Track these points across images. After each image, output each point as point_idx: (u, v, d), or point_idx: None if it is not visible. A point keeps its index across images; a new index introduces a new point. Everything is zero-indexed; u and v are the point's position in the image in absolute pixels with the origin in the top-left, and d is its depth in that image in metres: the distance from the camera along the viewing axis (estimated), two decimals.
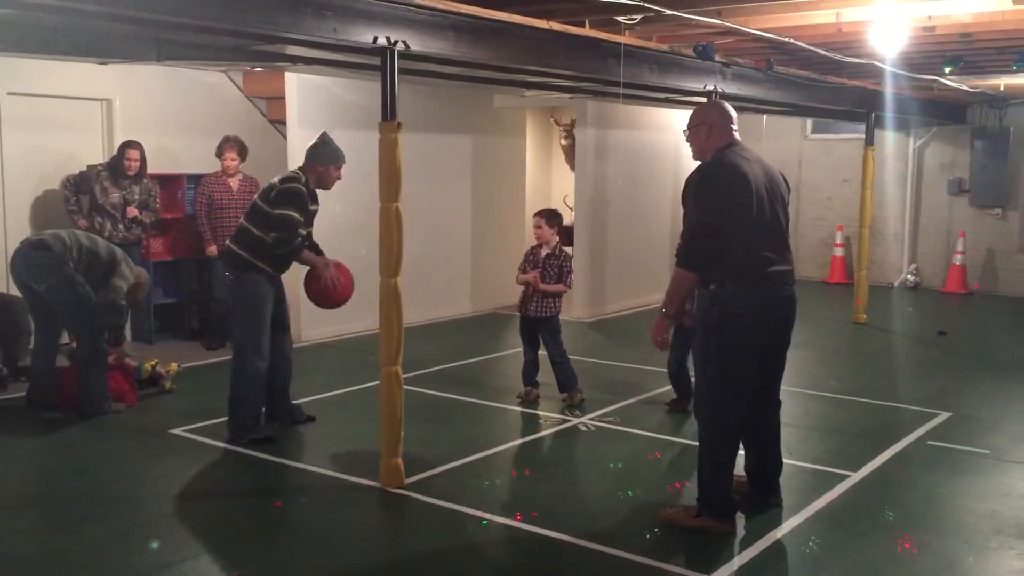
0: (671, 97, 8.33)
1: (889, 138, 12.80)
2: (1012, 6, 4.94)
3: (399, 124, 4.71)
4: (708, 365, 4.37)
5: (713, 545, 4.26)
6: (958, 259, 12.56)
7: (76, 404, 6.12)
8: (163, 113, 8.63)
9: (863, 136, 12.93)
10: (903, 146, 12.96)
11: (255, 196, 5.82)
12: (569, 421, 6.23)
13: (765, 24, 5.80)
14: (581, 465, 5.41)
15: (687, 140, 4.67)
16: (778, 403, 4.69)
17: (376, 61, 4.78)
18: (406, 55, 4.78)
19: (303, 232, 5.63)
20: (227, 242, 5.84)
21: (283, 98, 8.71)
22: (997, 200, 12.35)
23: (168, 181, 8.49)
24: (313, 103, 8.60)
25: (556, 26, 5.57)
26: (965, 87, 9.42)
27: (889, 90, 9.13)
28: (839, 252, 13.39)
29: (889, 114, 10.24)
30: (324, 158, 5.67)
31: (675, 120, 11.41)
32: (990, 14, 5.43)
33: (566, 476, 5.20)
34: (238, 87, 9.26)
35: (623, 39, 5.99)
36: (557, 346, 6.64)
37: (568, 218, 12.04)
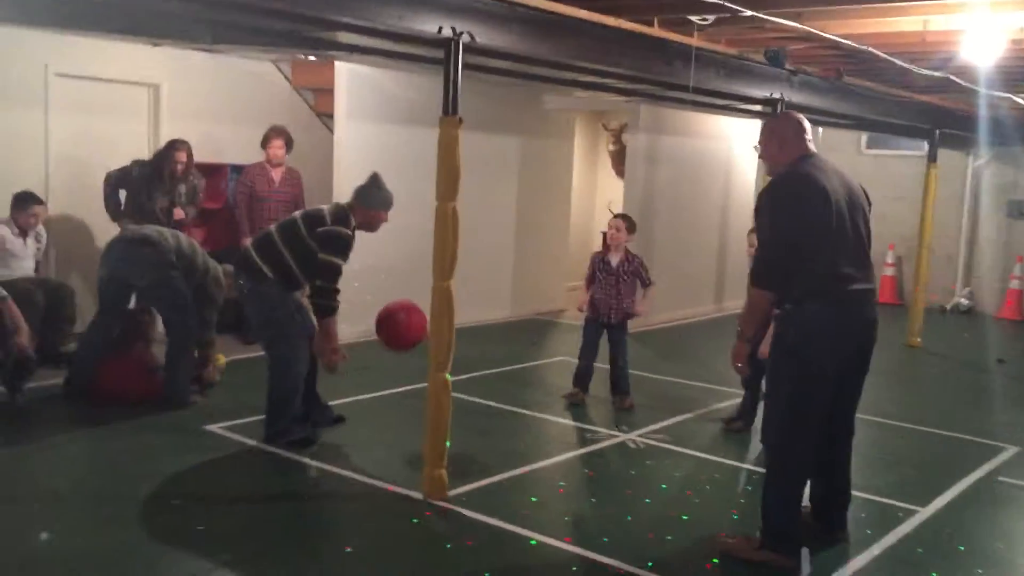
0: (732, 104, 8.04)
1: (947, 156, 12.39)
2: None
3: (460, 120, 4.49)
4: (781, 389, 4.10)
5: None
6: (1015, 284, 12.15)
7: (110, 397, 5.97)
8: (210, 101, 8.47)
9: (920, 153, 12.62)
10: (961, 165, 12.57)
11: (297, 214, 5.54)
12: (616, 437, 5.96)
13: (845, 30, 5.51)
14: (631, 485, 5.13)
15: (759, 155, 4.41)
16: (851, 431, 4.40)
17: (438, 53, 4.55)
18: (469, 48, 4.55)
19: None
20: (248, 245, 5.60)
21: (331, 90, 8.53)
22: None
23: (212, 171, 8.31)
24: (363, 96, 8.41)
25: (625, 24, 5.32)
26: None
27: (981, 110, 8.74)
28: (890, 272, 13.00)
29: (955, 132, 9.89)
30: (376, 202, 5.44)
31: (728, 128, 11.12)
32: None
33: (616, 496, 4.93)
34: (286, 78, 9.09)
35: (693, 41, 5.73)
36: (626, 350, 6.71)
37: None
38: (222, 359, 6.79)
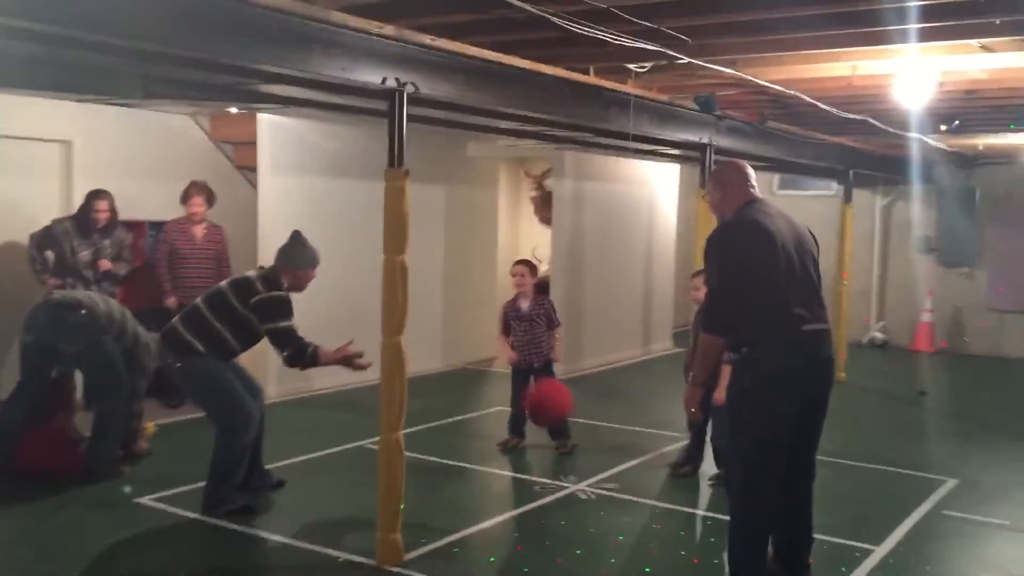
0: (657, 149, 8.14)
1: (857, 195, 12.77)
2: None
3: (407, 172, 4.39)
4: (742, 436, 4.06)
5: None
6: (926, 317, 12.54)
7: (29, 472, 5.61)
8: (125, 157, 8.17)
9: (830, 193, 13.01)
10: (870, 204, 12.99)
11: (223, 284, 5.29)
12: (566, 488, 5.85)
13: (775, 76, 5.61)
14: (588, 538, 5.01)
15: (708, 205, 4.46)
16: (813, 474, 4.39)
17: (380, 104, 4.46)
18: (412, 98, 4.47)
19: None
20: (175, 323, 5.27)
21: (252, 143, 8.34)
22: (964, 259, 12.39)
23: (129, 228, 7.99)
24: (286, 149, 8.24)
25: (562, 73, 5.32)
26: (944, 146, 9.41)
27: (911, 150, 9.04)
28: None
29: (868, 172, 10.22)
30: (302, 261, 5.28)
31: (650, 173, 11.28)
32: (1008, 70, 5.31)
33: (575, 551, 4.80)
34: (204, 131, 8.85)
35: (628, 88, 5.77)
36: None
37: (538, 271, 11.82)
38: (151, 427, 6.47)
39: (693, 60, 4.96)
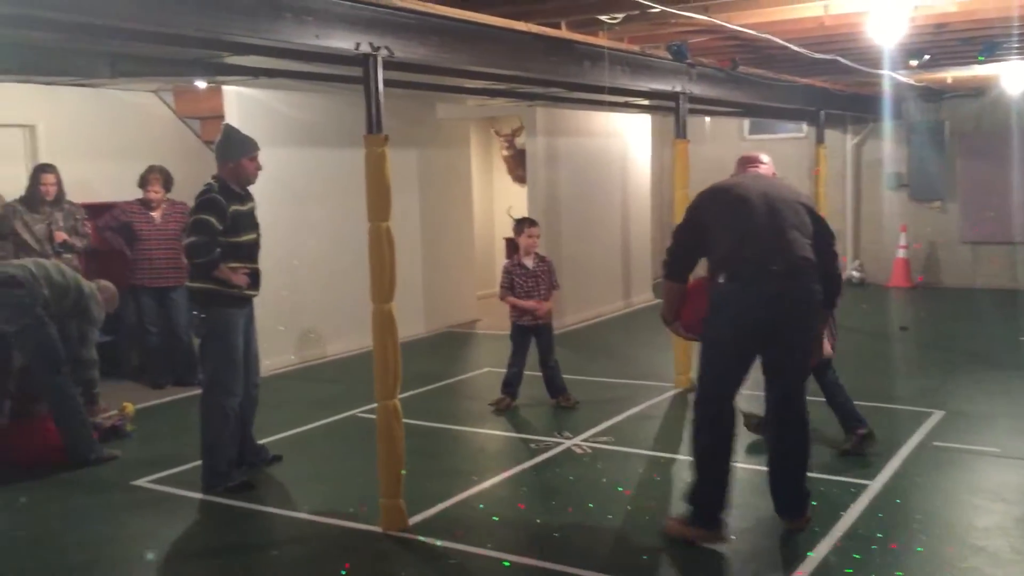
0: (630, 101, 8.10)
1: (827, 136, 12.81)
2: None
3: (386, 137, 4.34)
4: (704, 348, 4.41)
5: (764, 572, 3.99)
6: (901, 253, 12.65)
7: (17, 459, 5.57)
8: (90, 139, 8.03)
9: (799, 135, 13.05)
10: (840, 143, 13.02)
11: None
12: (561, 444, 5.89)
13: (747, 20, 5.58)
14: (588, 492, 5.06)
15: None
16: (791, 422, 4.38)
17: (355, 71, 4.40)
18: (388, 62, 4.41)
19: (244, 239, 5.23)
20: (186, 283, 5.35)
21: (219, 118, 8.19)
22: (936, 193, 12.49)
23: (100, 211, 7.87)
24: (255, 121, 8.07)
25: (535, 28, 5.26)
26: (913, 82, 9.44)
27: (894, 88, 8.99)
28: None
29: (837, 112, 10.24)
30: (229, 153, 5.24)
31: (621, 125, 11.23)
32: (978, 2, 5.31)
33: (576, 505, 4.85)
34: (170, 107, 8.71)
35: (601, 40, 5.72)
36: (552, 350, 6.79)
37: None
38: (130, 407, 6.43)
39: (666, 8, 4.91)
